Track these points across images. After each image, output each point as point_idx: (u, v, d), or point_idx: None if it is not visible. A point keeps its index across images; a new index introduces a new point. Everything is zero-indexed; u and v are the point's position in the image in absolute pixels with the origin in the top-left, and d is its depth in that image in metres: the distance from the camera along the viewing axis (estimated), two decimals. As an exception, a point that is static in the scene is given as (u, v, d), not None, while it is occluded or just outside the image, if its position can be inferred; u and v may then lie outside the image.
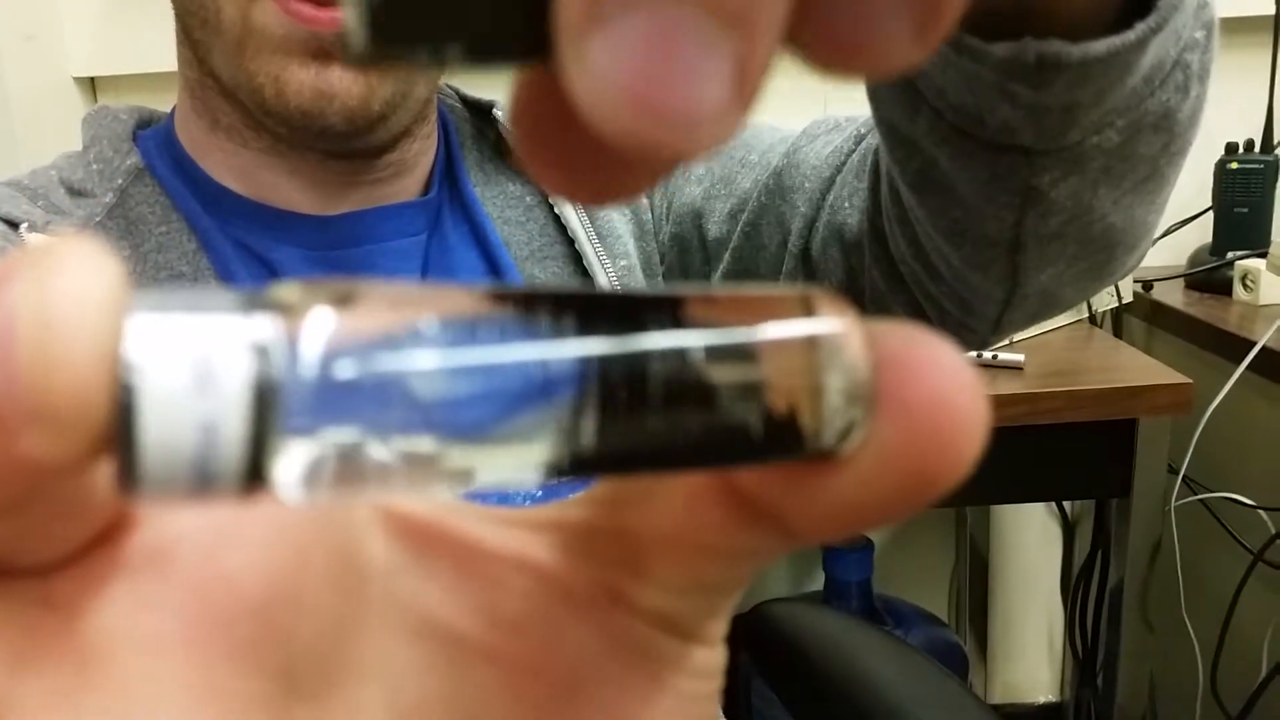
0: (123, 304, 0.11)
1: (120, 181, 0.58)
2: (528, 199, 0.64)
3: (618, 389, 0.13)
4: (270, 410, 0.12)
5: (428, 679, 0.17)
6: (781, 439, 0.14)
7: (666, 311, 0.14)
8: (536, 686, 0.18)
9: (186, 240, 0.57)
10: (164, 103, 0.65)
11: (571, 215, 0.63)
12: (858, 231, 0.55)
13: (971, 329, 0.54)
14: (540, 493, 0.53)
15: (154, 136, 0.62)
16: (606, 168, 0.14)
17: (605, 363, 0.13)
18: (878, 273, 0.55)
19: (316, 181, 0.59)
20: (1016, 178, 0.43)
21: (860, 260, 0.55)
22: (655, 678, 0.18)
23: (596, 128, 0.12)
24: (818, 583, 1.44)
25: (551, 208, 0.63)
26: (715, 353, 0.14)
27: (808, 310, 0.15)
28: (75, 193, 0.58)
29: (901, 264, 0.53)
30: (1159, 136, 0.42)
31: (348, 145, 0.57)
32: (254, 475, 0.12)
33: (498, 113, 0.66)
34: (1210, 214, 1.30)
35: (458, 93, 0.68)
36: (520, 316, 0.13)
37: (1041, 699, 1.49)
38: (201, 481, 0.12)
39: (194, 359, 0.11)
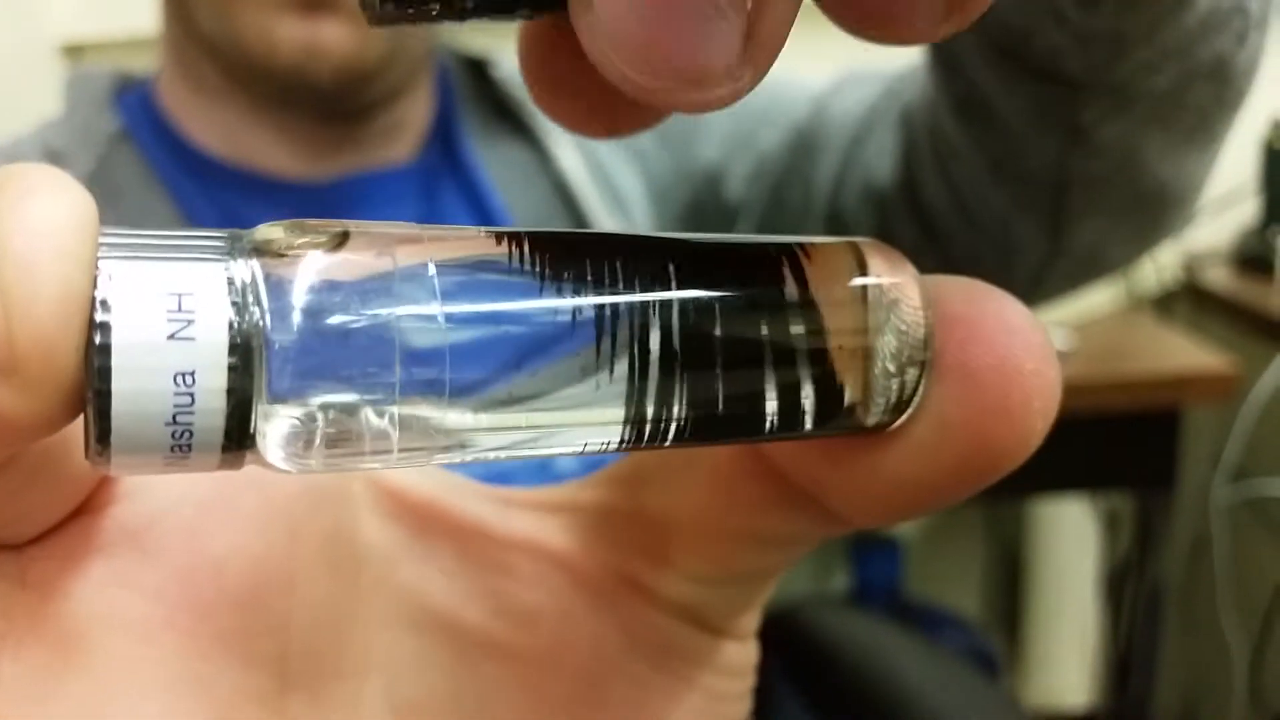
0: (94, 244, 0.10)
1: (100, 149, 0.56)
2: (531, 163, 0.60)
3: (639, 346, 0.12)
4: (254, 365, 0.11)
5: (431, 673, 0.16)
6: (825, 409, 0.13)
7: (695, 259, 0.12)
8: (549, 683, 0.16)
9: (168, 209, 0.55)
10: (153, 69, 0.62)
11: (578, 179, 0.59)
12: (888, 185, 0.53)
13: (1009, 288, 0.50)
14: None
15: (136, 100, 0.59)
16: (618, 101, 0.13)
17: (626, 315, 0.12)
18: (909, 230, 0.52)
19: (305, 143, 0.56)
20: (1060, 111, 0.41)
21: (891, 217, 0.53)
22: (680, 675, 0.17)
23: (605, 77, 0.11)
24: (842, 582, 1.42)
25: (556, 171, 0.60)
26: (749, 307, 0.12)
27: (858, 261, 0.13)
28: (56, 160, 0.56)
29: (936, 216, 0.51)
30: (1212, 85, 0.40)
31: (338, 104, 0.54)
32: (237, 438, 0.11)
33: (493, 72, 0.63)
34: (1256, 192, 1.26)
35: (452, 49, 0.65)
36: (534, 262, 0.12)
37: (1076, 703, 1.46)
38: (179, 445, 0.11)
39: (171, 309, 0.10)
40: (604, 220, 0.58)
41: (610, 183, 0.60)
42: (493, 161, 0.60)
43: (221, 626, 0.14)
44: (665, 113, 0.13)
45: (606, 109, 0.13)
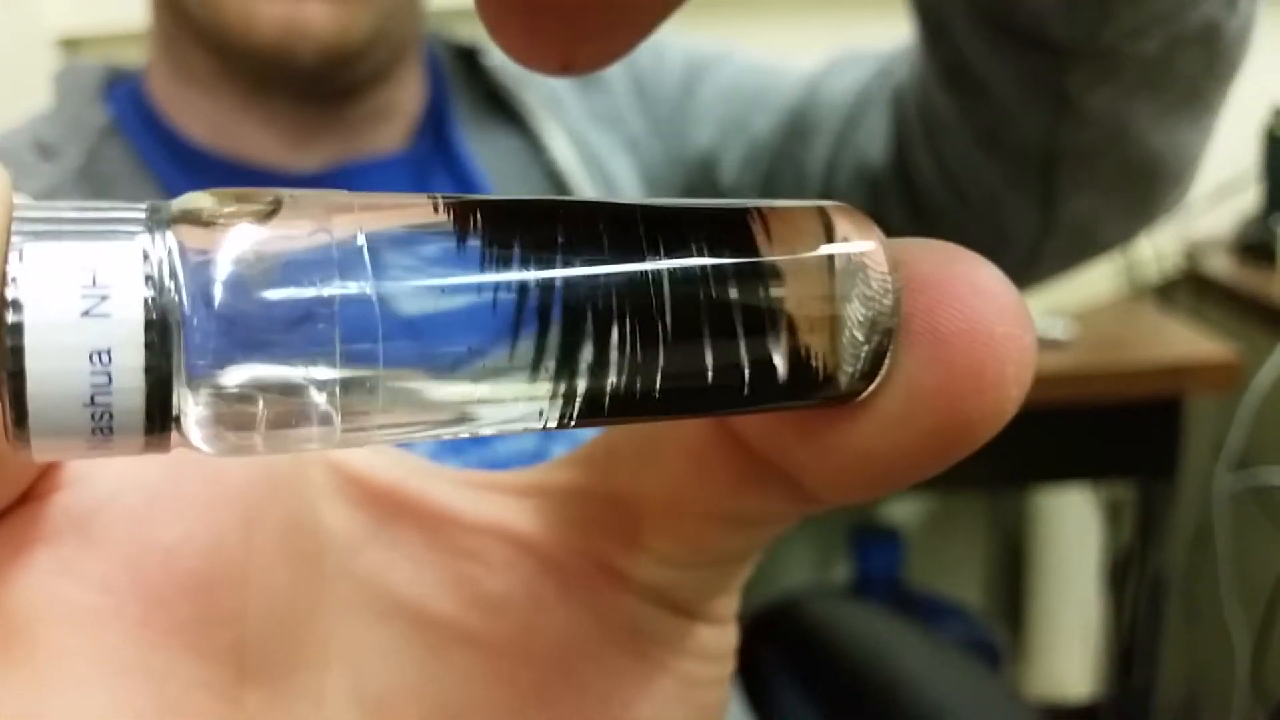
0: (6, 222, 0.10)
1: (90, 141, 0.56)
2: (523, 152, 0.60)
3: (592, 318, 0.11)
4: (172, 342, 0.10)
5: (398, 663, 0.16)
6: (792, 379, 0.12)
7: (653, 226, 0.12)
8: (520, 671, 0.16)
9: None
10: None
11: (570, 168, 0.59)
12: (880, 166, 0.53)
13: (1003, 267, 0.50)
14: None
15: (125, 92, 0.59)
16: (574, 33, 0.12)
17: (579, 287, 0.11)
18: (900, 210, 0.52)
19: (292, 129, 0.56)
20: (1048, 79, 0.41)
21: (883, 198, 0.53)
22: (654, 660, 0.16)
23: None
24: (842, 573, 1.42)
25: (548, 160, 0.59)
26: (709, 275, 0.12)
27: (825, 225, 0.13)
28: (46, 153, 0.56)
29: (927, 195, 0.51)
30: (1201, 53, 0.40)
31: (322, 84, 0.54)
32: (159, 419, 0.10)
33: (485, 61, 0.62)
34: (1257, 179, 1.26)
35: (442, 38, 0.65)
36: (473, 231, 0.11)
37: (1079, 693, 1.46)
38: (100, 428, 0.10)
39: (85, 284, 0.10)
40: None
41: (603, 171, 0.59)
42: (485, 151, 0.59)
43: (173, 616, 0.14)
44: (624, 48, 0.12)
45: (561, 40, 0.12)
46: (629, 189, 0.60)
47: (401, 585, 0.16)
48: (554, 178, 0.59)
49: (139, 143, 0.57)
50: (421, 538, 0.16)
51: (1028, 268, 0.51)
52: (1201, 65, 0.40)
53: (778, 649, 0.84)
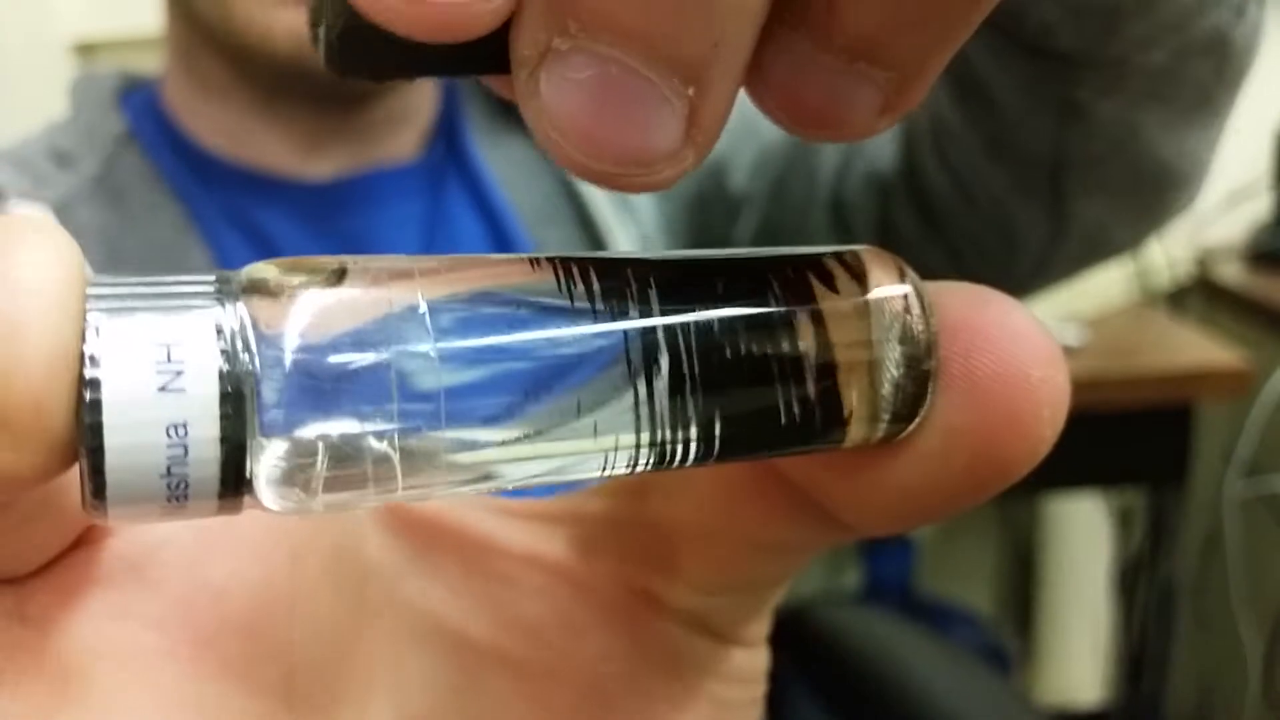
0: (81, 297, 0.10)
1: (107, 150, 0.56)
2: (535, 159, 0.60)
3: (647, 370, 0.12)
4: (246, 412, 0.11)
5: (438, 687, 0.16)
6: (831, 423, 0.13)
7: (691, 278, 0.12)
8: (556, 694, 0.16)
9: (174, 211, 0.55)
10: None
11: None
12: (890, 173, 0.53)
13: (1013, 272, 0.52)
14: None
15: (140, 101, 0.59)
16: None
17: (635, 340, 0.12)
18: (911, 217, 0.52)
19: (307, 136, 0.56)
20: (1055, 88, 0.41)
21: (893, 205, 0.53)
22: (688, 684, 0.17)
23: (552, 158, 0.12)
24: (853, 579, 1.42)
25: (561, 169, 0.59)
26: (749, 324, 0.12)
27: (859, 270, 0.13)
28: (63, 161, 0.56)
29: (937, 202, 0.51)
30: (1210, 61, 0.39)
31: (336, 92, 0.54)
32: (233, 484, 0.11)
33: None
34: (1269, 186, 1.26)
35: None
36: (538, 289, 0.12)
37: (1089, 700, 1.45)
38: (175, 495, 0.11)
39: (160, 360, 0.10)
40: (608, 216, 0.58)
41: None
42: (497, 159, 0.60)
43: (224, 654, 0.14)
44: None
45: None
46: (641, 196, 0.60)
47: (440, 611, 0.16)
48: (566, 185, 0.59)
49: (155, 151, 0.57)
50: (460, 565, 0.16)
51: (1039, 271, 0.51)
52: (1210, 74, 0.40)
53: (789, 655, 0.84)
